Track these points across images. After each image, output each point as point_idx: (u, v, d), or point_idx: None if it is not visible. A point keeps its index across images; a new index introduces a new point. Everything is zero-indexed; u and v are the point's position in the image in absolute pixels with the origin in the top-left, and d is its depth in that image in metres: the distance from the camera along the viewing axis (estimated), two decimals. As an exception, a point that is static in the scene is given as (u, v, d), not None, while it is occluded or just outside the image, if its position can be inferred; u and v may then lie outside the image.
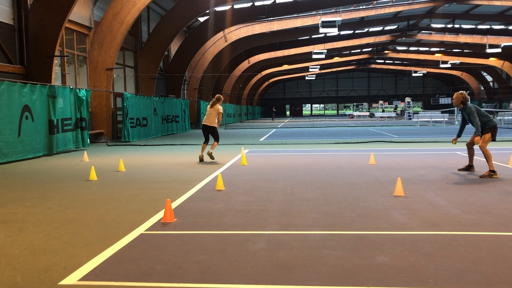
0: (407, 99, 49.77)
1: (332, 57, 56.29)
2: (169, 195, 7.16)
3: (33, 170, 10.90)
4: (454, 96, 9.13)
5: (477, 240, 4.52)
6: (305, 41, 46.20)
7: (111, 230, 5.14)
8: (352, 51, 57.51)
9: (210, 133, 12.22)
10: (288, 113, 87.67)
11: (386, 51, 59.92)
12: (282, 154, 13.64)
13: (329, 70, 74.34)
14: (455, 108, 31.95)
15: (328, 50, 47.58)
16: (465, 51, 51.92)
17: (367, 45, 53.99)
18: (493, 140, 8.77)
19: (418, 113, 46.93)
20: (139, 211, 6.09)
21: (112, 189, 7.90)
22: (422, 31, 46.05)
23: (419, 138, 19.48)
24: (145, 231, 5.10)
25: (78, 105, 16.76)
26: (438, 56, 55.04)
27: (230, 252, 4.25)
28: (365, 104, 79.56)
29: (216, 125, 12.14)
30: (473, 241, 4.48)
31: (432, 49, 55.34)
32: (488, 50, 38.43)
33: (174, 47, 34.46)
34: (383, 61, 70.95)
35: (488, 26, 41.95)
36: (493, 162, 8.82)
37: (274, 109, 62.81)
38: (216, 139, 12.28)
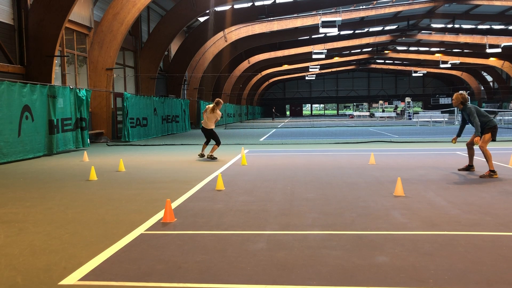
0: (407, 99, 49.77)
1: (332, 57, 56.30)
2: (169, 195, 7.16)
3: (33, 170, 10.90)
4: (454, 97, 9.13)
5: (477, 240, 4.52)
6: (305, 41, 46.20)
7: (111, 230, 5.14)
8: (352, 51, 57.51)
9: (209, 135, 12.59)
10: (288, 113, 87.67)
11: (386, 51, 59.91)
12: (282, 154, 13.64)
13: (329, 70, 74.34)
14: (455, 108, 31.94)
15: (328, 50, 47.58)
16: (465, 51, 51.92)
17: (367, 45, 53.99)
18: (493, 140, 8.77)
19: (418, 113, 46.92)
20: (139, 211, 6.09)
21: (112, 189, 7.90)
22: (422, 31, 46.05)
23: (419, 138, 19.48)
24: (145, 231, 5.10)
25: (78, 105, 16.76)
26: (438, 56, 55.04)
27: (230, 252, 4.25)
28: (365, 104, 79.57)
29: (212, 127, 12.53)
30: (473, 241, 4.48)
31: (432, 49, 55.35)
32: (488, 50, 38.42)
33: (174, 47, 34.47)
34: (383, 61, 70.95)
35: (488, 26, 41.95)
36: (493, 162, 8.82)
37: (274, 110, 62.74)
38: (216, 141, 12.51)
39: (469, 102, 9.17)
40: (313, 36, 45.21)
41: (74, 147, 16.40)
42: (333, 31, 28.97)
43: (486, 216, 5.47)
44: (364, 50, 58.88)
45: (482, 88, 68.09)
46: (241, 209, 6.09)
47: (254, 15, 30.39)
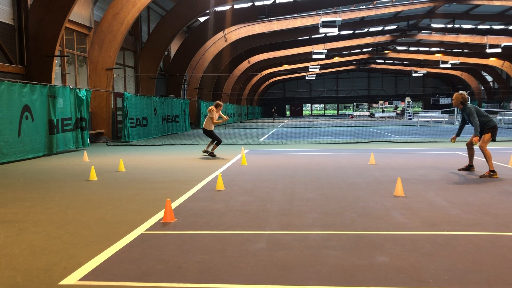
0: (407, 99, 49.79)
1: (332, 57, 56.31)
2: (169, 195, 7.16)
3: (33, 170, 10.90)
4: (454, 97, 9.13)
5: (477, 240, 4.51)
6: (305, 41, 46.21)
7: (111, 230, 5.14)
8: (352, 51, 57.53)
9: (209, 136, 13.11)
10: (288, 113, 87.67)
11: (386, 51, 59.92)
12: (282, 154, 13.64)
13: (329, 70, 74.36)
14: (455, 108, 31.94)
15: (328, 50, 47.59)
16: (465, 51, 51.94)
17: (367, 45, 54.00)
18: (493, 140, 8.77)
19: (418, 113, 46.93)
20: (139, 211, 6.09)
21: (112, 189, 7.90)
22: (422, 31, 46.06)
23: (419, 138, 19.47)
24: (145, 231, 5.10)
25: (78, 105, 16.76)
26: (438, 56, 55.05)
27: (230, 252, 4.25)
28: (365, 104, 79.58)
29: (211, 128, 13.01)
30: (473, 241, 4.48)
31: (432, 49, 55.36)
32: (488, 50, 38.45)
33: (174, 47, 34.47)
34: (383, 61, 70.96)
35: (488, 26, 41.96)
36: (493, 162, 8.82)
37: (274, 110, 62.73)
38: (216, 141, 13.03)
39: (469, 102, 9.16)
40: (313, 36, 45.22)
41: (74, 147, 16.40)
42: (333, 31, 28.99)
43: (486, 216, 5.47)
44: (364, 50, 58.90)
45: (482, 88, 68.11)
46: (241, 209, 6.09)
47: (254, 15, 30.40)
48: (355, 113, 64.16)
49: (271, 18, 33.72)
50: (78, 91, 16.84)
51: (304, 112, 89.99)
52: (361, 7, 34.11)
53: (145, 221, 5.54)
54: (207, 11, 28.17)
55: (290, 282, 3.52)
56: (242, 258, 4.09)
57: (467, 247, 4.29)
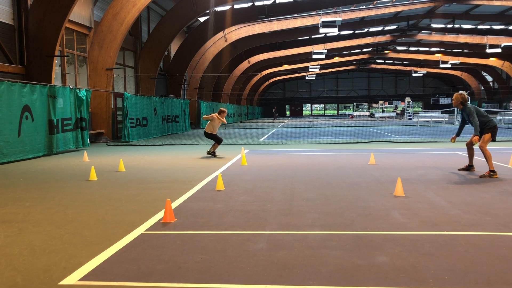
0: (407, 99, 49.80)
1: (332, 57, 56.31)
2: (169, 195, 7.16)
3: (33, 170, 10.90)
4: (454, 97, 9.13)
5: (477, 240, 4.51)
6: (305, 41, 46.21)
7: (111, 230, 5.14)
8: (352, 51, 57.52)
9: (212, 139, 13.53)
10: (288, 113, 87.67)
11: (386, 51, 59.93)
12: (282, 154, 13.65)
13: (329, 70, 74.36)
14: (455, 108, 31.95)
15: (328, 50, 47.59)
16: (465, 51, 51.93)
17: (367, 45, 54.00)
18: (493, 140, 8.77)
19: (418, 113, 46.93)
20: (139, 211, 6.09)
21: (112, 189, 7.90)
22: (422, 31, 46.06)
23: (419, 138, 19.47)
24: (145, 231, 5.10)
25: (78, 105, 16.76)
26: (438, 56, 55.05)
27: (230, 252, 4.25)
28: (365, 104, 79.58)
29: (213, 132, 13.42)
30: (473, 241, 4.48)
31: (432, 49, 55.36)
32: (488, 50, 38.44)
33: (174, 47, 34.47)
34: (383, 61, 70.96)
35: (488, 26, 41.96)
36: (493, 162, 8.82)
37: (274, 110, 62.71)
38: (216, 141, 13.44)
39: (469, 102, 9.16)
40: (313, 36, 45.21)
41: (74, 147, 16.41)
42: (333, 31, 28.99)
43: (486, 216, 5.47)
44: (364, 50, 58.90)
45: (482, 88, 68.10)
46: (241, 209, 6.09)
47: (254, 15, 30.40)
48: (355, 113, 64.16)
49: (271, 18, 33.72)
50: (78, 91, 16.84)
51: (304, 112, 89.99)
52: (361, 7, 34.11)
53: (145, 221, 5.54)
54: (207, 11, 28.17)
55: (290, 282, 3.52)
56: (242, 258, 4.09)
57: (467, 247, 4.29)
